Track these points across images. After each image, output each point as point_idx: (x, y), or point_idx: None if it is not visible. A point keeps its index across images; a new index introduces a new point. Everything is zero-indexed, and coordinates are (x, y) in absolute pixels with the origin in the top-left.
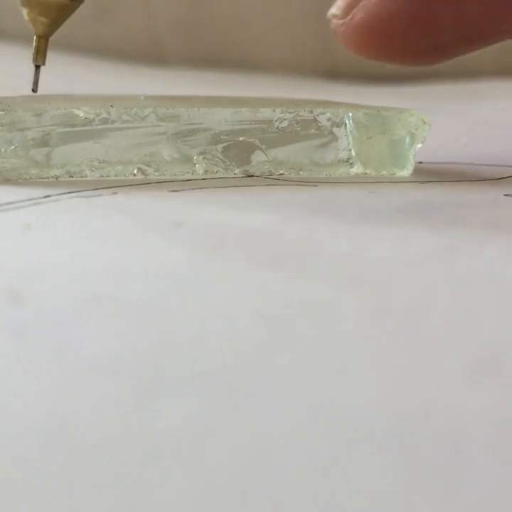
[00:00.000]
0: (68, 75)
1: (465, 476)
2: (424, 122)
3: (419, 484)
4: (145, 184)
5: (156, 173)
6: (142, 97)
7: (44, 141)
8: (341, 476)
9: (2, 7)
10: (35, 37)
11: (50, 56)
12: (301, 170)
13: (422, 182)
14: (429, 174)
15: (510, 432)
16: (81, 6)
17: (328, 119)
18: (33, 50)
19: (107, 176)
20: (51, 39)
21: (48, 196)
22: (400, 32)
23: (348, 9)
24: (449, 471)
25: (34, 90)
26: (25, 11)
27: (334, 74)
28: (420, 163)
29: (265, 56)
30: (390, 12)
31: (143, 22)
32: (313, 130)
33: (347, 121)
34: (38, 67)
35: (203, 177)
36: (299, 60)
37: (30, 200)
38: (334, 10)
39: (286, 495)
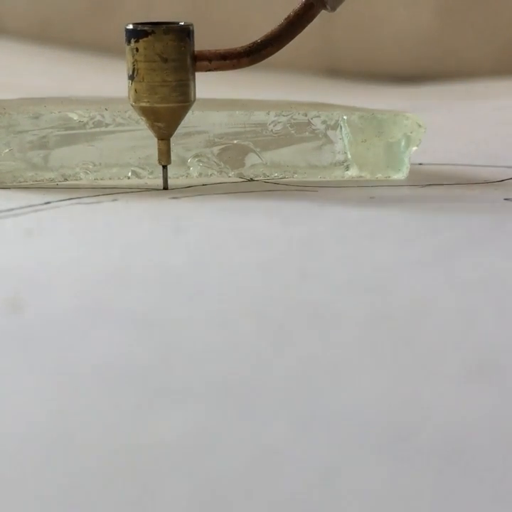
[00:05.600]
0: (68, 73)
1: (465, 478)
2: (420, 125)
3: (419, 487)
4: (145, 190)
5: (151, 176)
6: None
7: (41, 144)
8: (343, 479)
9: (2, 4)
10: (157, 141)
11: (51, 54)
12: (295, 172)
13: (422, 185)
14: (429, 177)
15: (510, 433)
16: (81, 3)
17: (323, 122)
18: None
19: (102, 179)
20: (51, 36)
21: (48, 203)
22: None
23: None
24: (449, 474)
25: (165, 187)
26: (143, 119)
27: (334, 72)
28: (420, 164)
29: None
30: None
31: (143, 20)
32: (307, 133)
33: (342, 124)
34: (164, 167)
35: (198, 180)
36: (299, 58)
37: (30, 206)
38: None
39: (288, 500)
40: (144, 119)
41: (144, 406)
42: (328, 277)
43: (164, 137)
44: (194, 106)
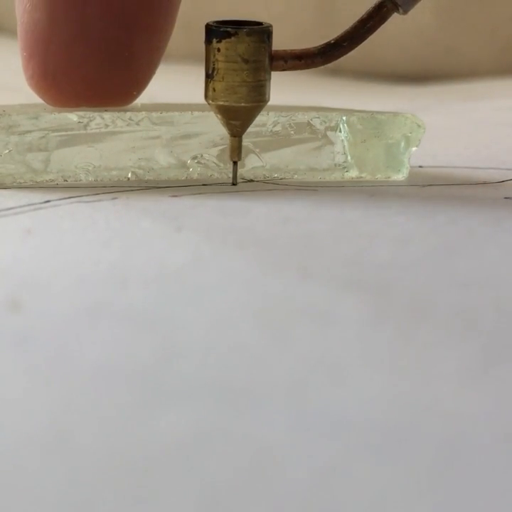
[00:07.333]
0: None
1: (465, 478)
2: (419, 126)
3: (419, 488)
4: (145, 189)
5: (150, 177)
6: (139, 104)
7: (41, 145)
8: (341, 481)
9: (2, 4)
10: (229, 137)
11: None
12: (295, 174)
13: (422, 185)
14: (429, 178)
15: (510, 433)
16: None
17: (322, 123)
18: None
19: (102, 180)
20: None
21: (48, 201)
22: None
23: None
24: (448, 475)
25: (234, 183)
26: (218, 116)
27: (335, 71)
28: (420, 167)
29: None
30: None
31: None
32: (307, 133)
33: (341, 125)
34: (235, 163)
35: (198, 180)
36: None
37: (30, 205)
38: None
39: (286, 501)
40: (219, 116)
41: (144, 406)
42: (328, 277)
43: (237, 134)
44: (194, 107)
